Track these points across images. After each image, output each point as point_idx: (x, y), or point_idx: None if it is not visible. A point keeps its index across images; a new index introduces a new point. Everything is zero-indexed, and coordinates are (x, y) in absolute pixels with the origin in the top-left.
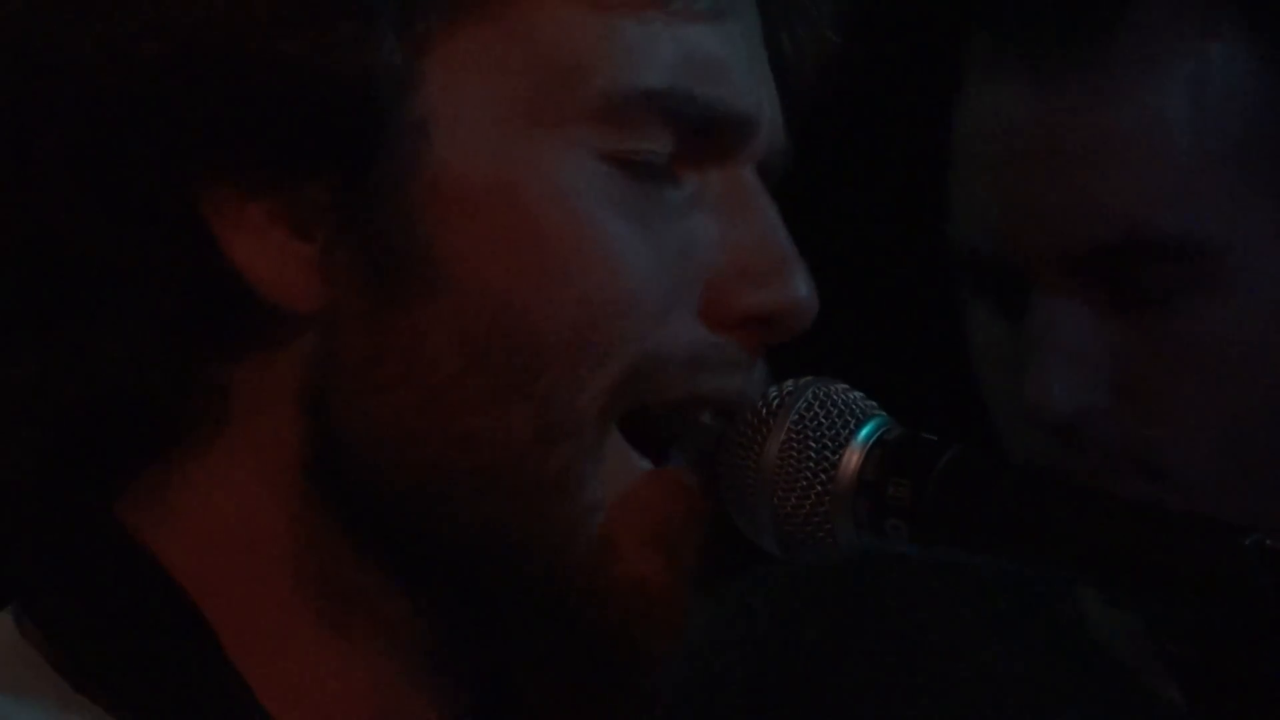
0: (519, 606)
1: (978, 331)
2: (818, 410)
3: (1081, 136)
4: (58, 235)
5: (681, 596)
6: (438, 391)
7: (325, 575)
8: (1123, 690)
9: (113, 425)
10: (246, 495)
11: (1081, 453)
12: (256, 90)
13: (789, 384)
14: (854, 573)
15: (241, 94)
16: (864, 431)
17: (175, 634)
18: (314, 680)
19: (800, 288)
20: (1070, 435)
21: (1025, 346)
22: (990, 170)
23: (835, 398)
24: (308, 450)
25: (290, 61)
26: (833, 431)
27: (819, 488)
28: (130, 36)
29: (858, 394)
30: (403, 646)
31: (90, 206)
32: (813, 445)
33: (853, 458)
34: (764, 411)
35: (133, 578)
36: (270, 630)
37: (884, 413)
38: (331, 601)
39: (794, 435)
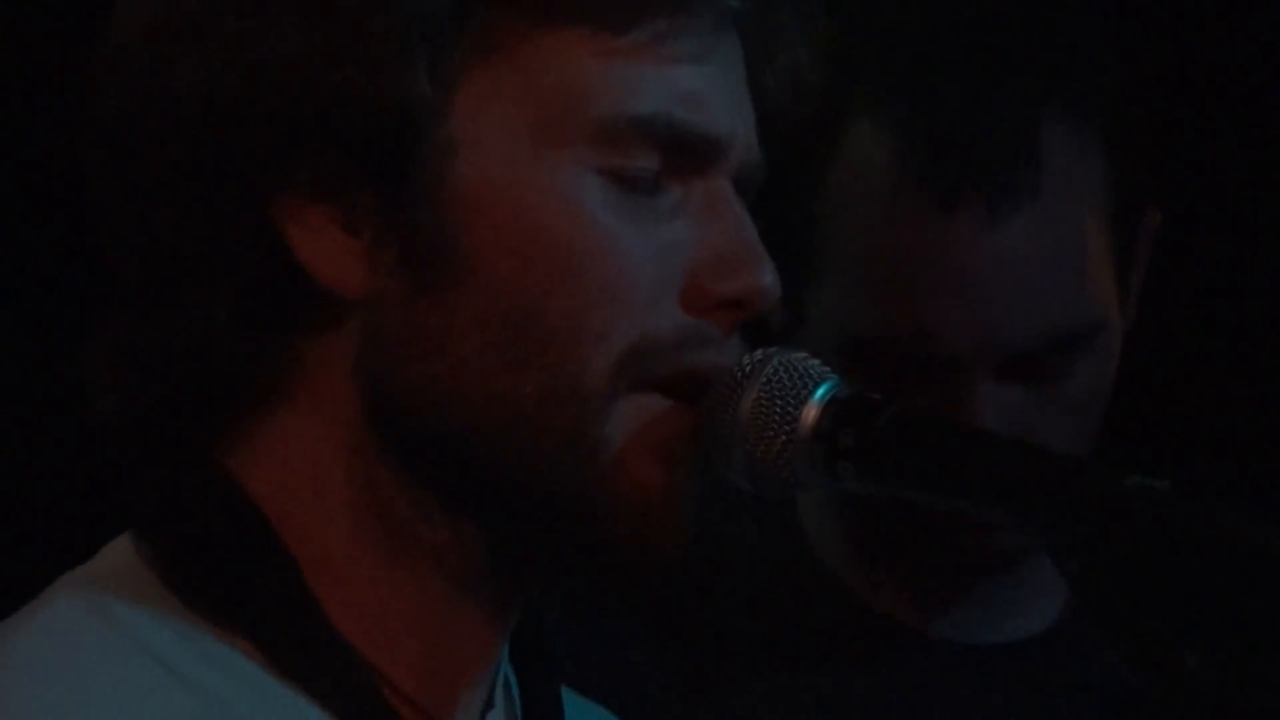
0: (536, 522)
1: None
2: (783, 374)
3: (1026, 257)
4: (163, 233)
5: (681, 502)
6: (463, 361)
7: (381, 510)
8: (833, 596)
9: (211, 385)
10: (315, 444)
11: None
12: (316, 118)
13: (759, 353)
14: None
15: (304, 121)
16: (820, 391)
17: (261, 558)
18: (373, 600)
19: (765, 276)
20: None
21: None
22: (928, 284)
23: (796, 364)
24: (363, 408)
25: (343, 95)
26: (795, 391)
27: (783, 437)
28: (217, 74)
29: (815, 360)
30: (447, 570)
31: (186, 211)
32: (778, 403)
33: (810, 413)
34: (739, 375)
35: (228, 510)
36: (337, 557)
37: (836, 375)
38: (387, 532)
39: (763, 395)
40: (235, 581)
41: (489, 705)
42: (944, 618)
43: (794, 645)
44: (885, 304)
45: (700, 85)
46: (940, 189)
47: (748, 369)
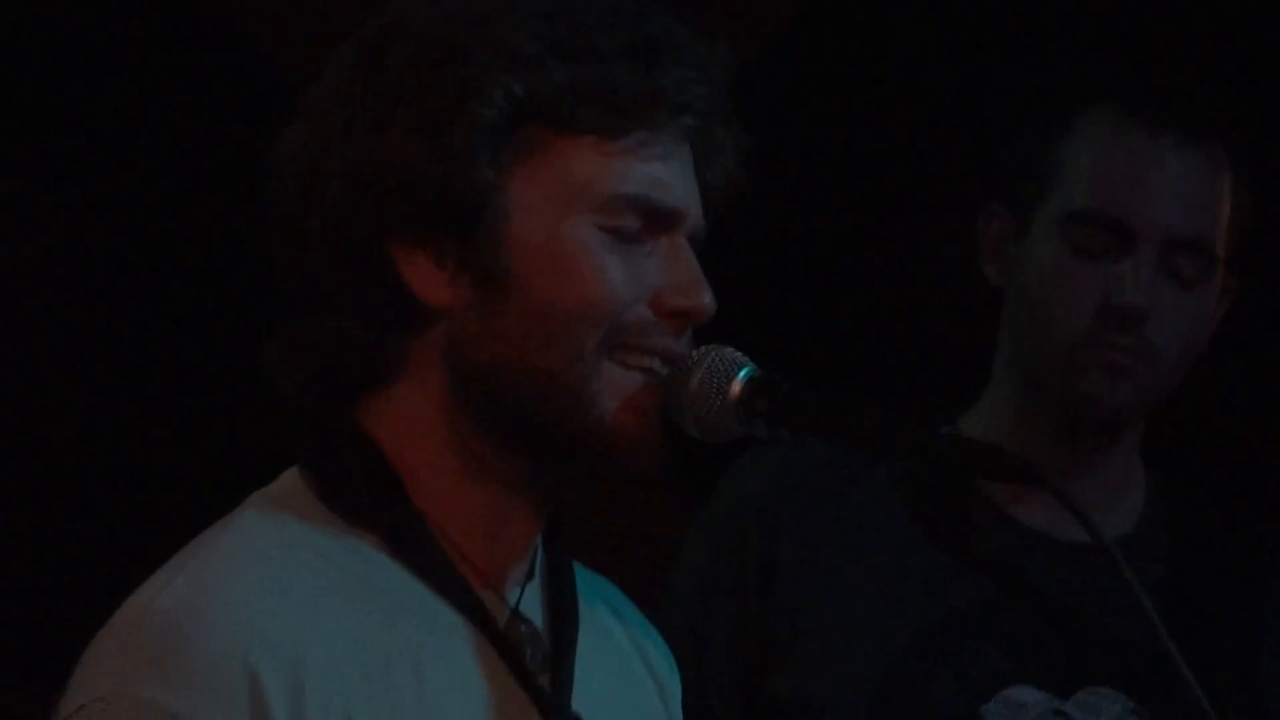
0: (561, 450)
1: (1055, 262)
2: (718, 362)
3: (1188, 175)
4: (319, 268)
5: (648, 441)
6: (511, 346)
7: (461, 448)
8: (987, 509)
9: (350, 369)
10: (418, 406)
11: (1123, 334)
12: (419, 195)
13: (703, 348)
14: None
15: (412, 197)
16: (741, 373)
17: (382, 482)
18: (453, 506)
19: (704, 298)
20: (1130, 324)
21: (1122, 275)
22: (1126, 175)
23: (727, 355)
24: (450, 381)
25: (436, 181)
26: (725, 373)
27: (718, 403)
28: (357, 167)
29: (740, 353)
30: (502, 484)
31: (335, 254)
32: (714, 380)
33: (736, 386)
34: (690, 361)
35: (361, 451)
36: (430, 479)
37: (752, 363)
38: (463, 462)
39: (705, 375)
40: (365, 497)
41: (529, 576)
42: (1061, 523)
43: (959, 540)
44: (1108, 190)
45: (666, 176)
46: (1153, 125)
47: (695, 359)
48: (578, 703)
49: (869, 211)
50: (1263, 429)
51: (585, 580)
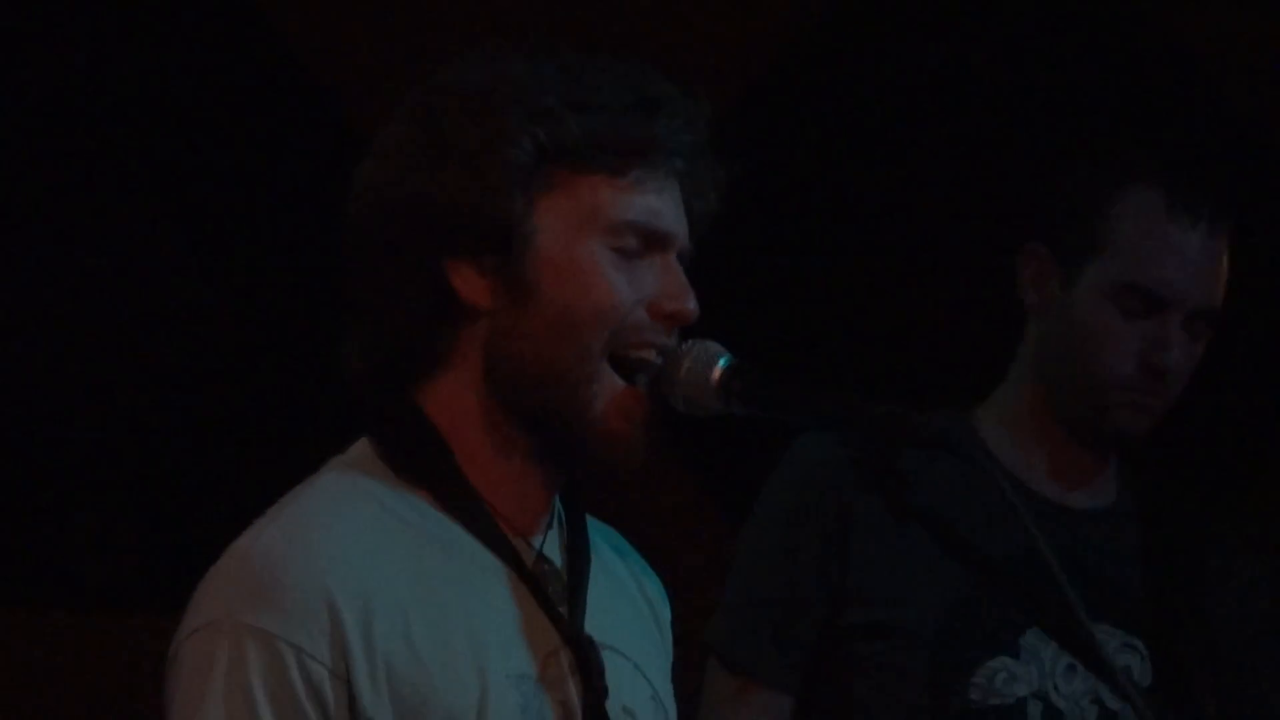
0: (561, 437)
1: (1105, 322)
2: (702, 353)
3: (1212, 257)
4: (385, 276)
5: (635, 443)
6: (535, 342)
7: (491, 424)
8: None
9: (410, 358)
10: (460, 390)
11: (1157, 387)
12: (465, 221)
13: (691, 341)
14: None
15: (459, 222)
16: (721, 361)
17: (434, 449)
18: (490, 469)
19: (689, 304)
20: (1160, 378)
21: (1160, 337)
22: (1170, 257)
23: (710, 347)
24: (486, 370)
25: (478, 210)
26: (708, 361)
27: (702, 385)
28: (415, 198)
29: (720, 346)
30: (525, 454)
31: (398, 266)
32: (699, 367)
33: (716, 372)
34: (680, 353)
35: (418, 425)
36: (472, 447)
37: (729, 353)
38: (494, 436)
39: (693, 362)
40: (421, 461)
41: (550, 525)
42: (1066, 492)
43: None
44: (1155, 269)
45: (660, 206)
46: (1191, 217)
47: (684, 350)
48: (590, 626)
49: (865, 227)
50: (1205, 422)
51: (595, 528)
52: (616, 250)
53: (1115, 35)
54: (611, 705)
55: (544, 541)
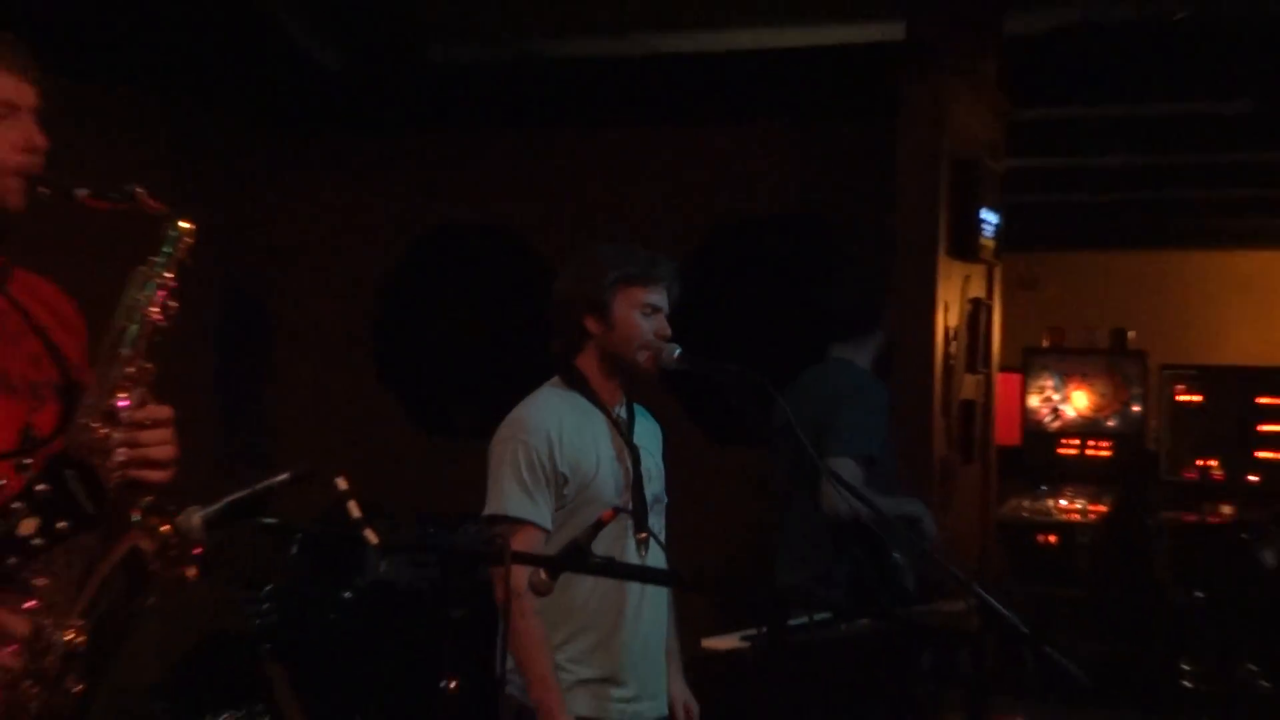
0: (629, 374)
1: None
2: (670, 348)
3: None
4: (564, 320)
5: (652, 378)
6: (614, 346)
7: (603, 372)
8: None
9: (572, 348)
10: (591, 360)
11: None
12: (585, 304)
13: (671, 344)
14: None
15: (584, 304)
16: (676, 350)
17: (581, 380)
18: (601, 386)
19: (668, 331)
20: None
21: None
22: None
23: (673, 346)
24: (600, 353)
25: (591, 299)
26: (671, 350)
27: (669, 357)
28: (572, 292)
29: (676, 345)
30: (612, 380)
31: (566, 317)
32: (668, 352)
33: (676, 354)
34: (662, 347)
35: (577, 371)
36: (595, 380)
37: (680, 347)
38: (603, 375)
39: (667, 350)
40: (577, 384)
41: (621, 403)
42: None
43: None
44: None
45: (659, 298)
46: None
47: (665, 346)
48: (636, 439)
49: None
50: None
51: (638, 406)
52: (642, 313)
53: None
54: (644, 468)
55: (619, 409)
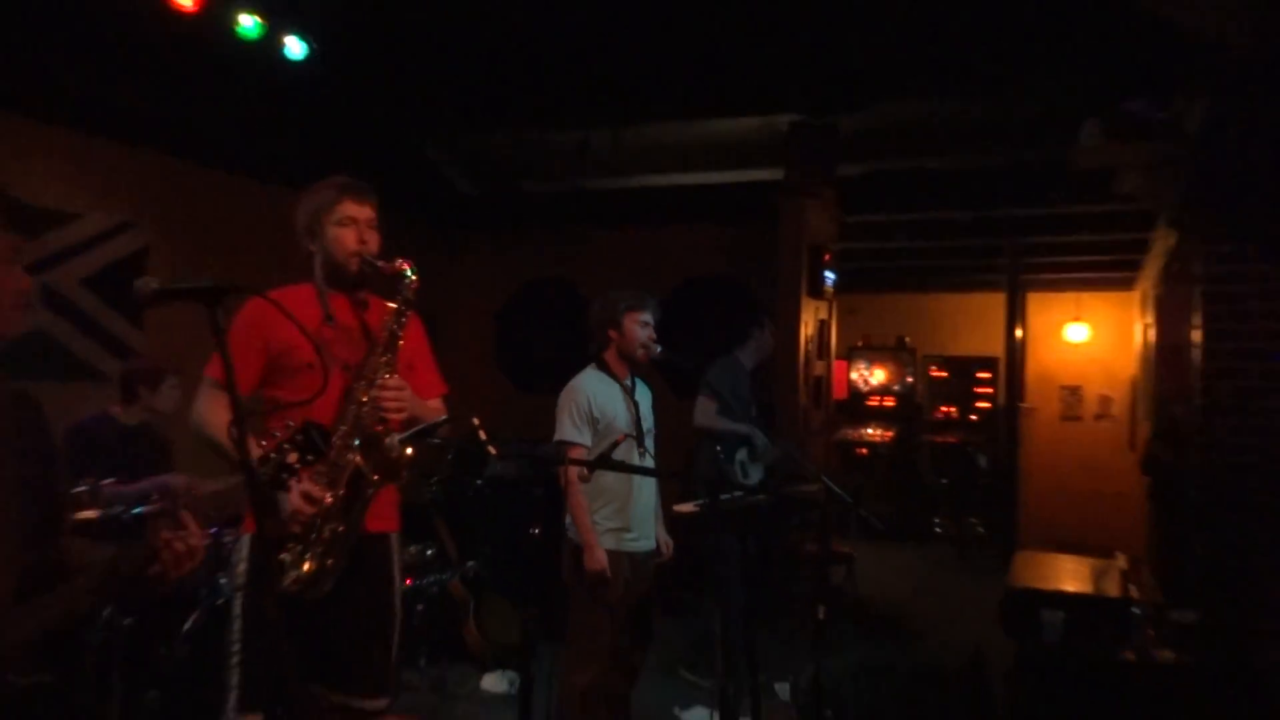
0: (634, 360)
1: None
2: (661, 348)
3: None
4: (597, 329)
5: (648, 359)
6: (626, 345)
7: (617, 361)
8: None
9: (603, 344)
10: (612, 353)
11: None
12: (605, 323)
13: (660, 346)
14: None
15: (604, 323)
16: (659, 349)
17: (610, 366)
18: (618, 368)
19: (654, 337)
20: None
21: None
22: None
23: (655, 346)
24: (617, 348)
25: (614, 318)
26: (650, 346)
27: (660, 352)
28: (602, 317)
29: (660, 346)
30: (623, 364)
31: (599, 328)
32: (657, 348)
33: (659, 351)
34: (652, 345)
35: (605, 359)
36: (614, 365)
37: (662, 346)
38: (620, 360)
39: (650, 348)
40: (606, 368)
41: (631, 376)
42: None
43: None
44: None
45: (651, 319)
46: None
47: (654, 348)
48: (636, 397)
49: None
50: None
51: (639, 379)
52: (640, 326)
53: None
54: (642, 413)
55: (628, 380)
